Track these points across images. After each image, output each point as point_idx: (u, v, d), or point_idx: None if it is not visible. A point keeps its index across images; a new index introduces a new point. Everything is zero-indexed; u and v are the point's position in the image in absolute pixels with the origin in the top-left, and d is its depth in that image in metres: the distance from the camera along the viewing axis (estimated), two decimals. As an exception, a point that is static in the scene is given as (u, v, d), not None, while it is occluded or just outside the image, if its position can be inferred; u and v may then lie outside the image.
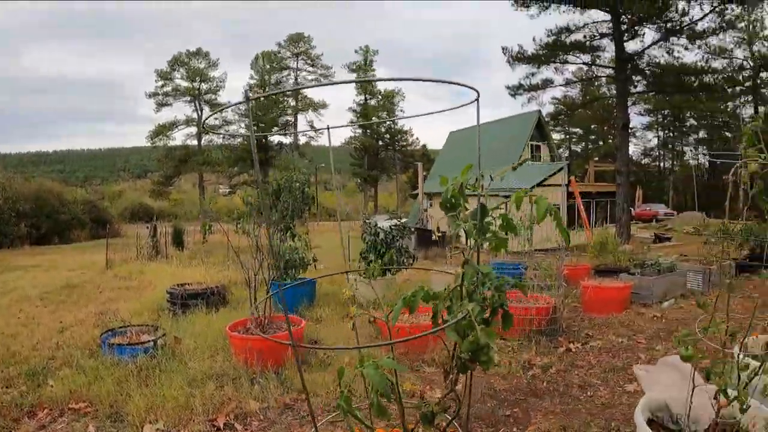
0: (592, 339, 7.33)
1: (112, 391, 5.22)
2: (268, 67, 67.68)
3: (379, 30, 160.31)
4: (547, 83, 30.78)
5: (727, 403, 2.88)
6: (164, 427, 4.55)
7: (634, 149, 70.20)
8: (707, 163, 65.64)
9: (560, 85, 32.72)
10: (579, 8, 27.37)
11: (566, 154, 67.87)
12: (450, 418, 2.79)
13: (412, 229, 24.62)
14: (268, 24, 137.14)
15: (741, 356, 4.04)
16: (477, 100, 3.04)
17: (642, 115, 67.17)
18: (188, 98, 64.68)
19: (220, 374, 5.75)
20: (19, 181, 37.70)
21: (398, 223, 9.93)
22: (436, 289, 8.73)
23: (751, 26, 53.59)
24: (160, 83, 64.35)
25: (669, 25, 27.55)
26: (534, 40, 29.17)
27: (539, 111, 33.39)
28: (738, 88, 58.76)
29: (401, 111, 75.42)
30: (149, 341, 6.66)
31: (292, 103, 68.47)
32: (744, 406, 2.80)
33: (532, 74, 30.74)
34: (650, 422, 3.29)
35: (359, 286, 9.64)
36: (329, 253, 14.31)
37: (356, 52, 71.55)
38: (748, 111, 60.15)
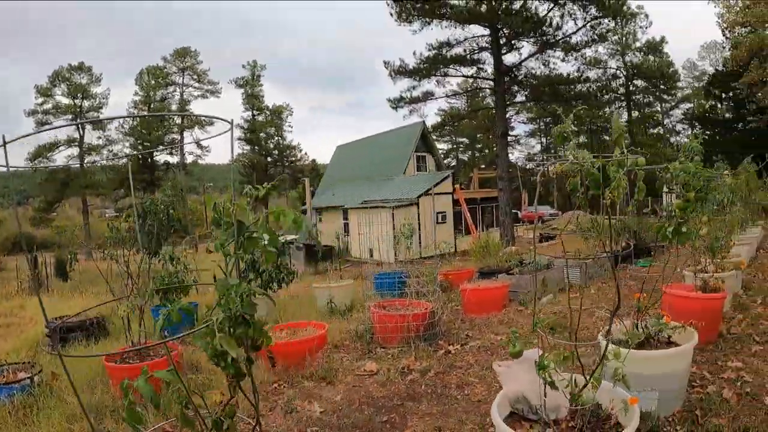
0: (472, 339, 7.61)
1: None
2: (153, 83, 65.61)
3: (271, 42, 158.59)
4: (428, 95, 31.61)
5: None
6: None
7: (518, 155, 72.97)
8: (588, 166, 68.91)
9: (441, 97, 33.77)
10: (459, 23, 28.34)
11: (454, 163, 69.64)
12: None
13: (301, 245, 24.67)
14: (156, 37, 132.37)
15: (604, 343, 4.41)
16: (231, 129, 3.25)
17: (525, 123, 70.27)
18: (70, 116, 61.55)
19: (100, 407, 5.61)
20: None
21: (284, 240, 10.01)
22: (319, 303, 8.92)
23: (624, 38, 57.15)
24: (40, 100, 60.83)
25: (545, 38, 29.02)
26: (414, 54, 29.95)
27: (423, 122, 34.16)
28: (612, 96, 62.49)
29: (290, 126, 75.15)
30: (25, 379, 6.39)
31: (178, 120, 66.74)
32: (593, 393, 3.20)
33: (413, 87, 31.55)
34: (512, 414, 3.58)
35: (244, 307, 9.73)
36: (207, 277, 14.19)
37: (244, 66, 70.88)
38: (624, 116, 64.01)
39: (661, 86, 60.32)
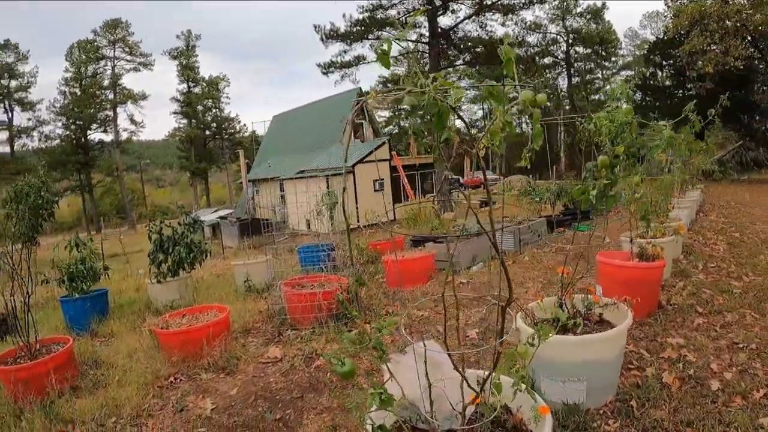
0: (392, 316, 7.04)
1: None
2: (84, 57, 63.13)
3: (204, 11, 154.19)
4: (359, 60, 31.11)
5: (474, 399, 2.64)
6: None
7: (459, 122, 72.77)
8: (530, 130, 69.62)
9: (374, 62, 33.14)
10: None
11: (395, 131, 69.19)
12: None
13: (234, 220, 24.14)
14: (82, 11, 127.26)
15: (522, 325, 3.83)
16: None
17: (467, 89, 69.90)
18: (-3, 97, 59.10)
19: None
20: None
21: (192, 218, 9.49)
22: (237, 281, 8.42)
23: (564, 3, 57.32)
24: (-40, 82, 58.19)
25: (484, 1, 28.64)
26: (344, 17, 29.33)
27: (360, 89, 33.56)
28: (551, 60, 62.87)
29: (227, 98, 73.59)
30: None
31: (110, 95, 64.61)
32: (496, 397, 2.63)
33: (345, 52, 30.97)
34: (400, 423, 2.71)
35: (151, 290, 9.28)
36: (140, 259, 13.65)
37: (178, 37, 68.90)
38: (563, 82, 64.49)
39: (602, 52, 60.83)
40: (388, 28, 29.75)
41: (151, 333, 6.73)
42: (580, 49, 62.04)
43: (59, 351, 5.79)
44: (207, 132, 70.14)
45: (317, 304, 6.74)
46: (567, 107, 60.77)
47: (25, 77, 60.39)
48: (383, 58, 1.95)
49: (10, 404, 5.28)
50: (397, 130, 69.61)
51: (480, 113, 75.99)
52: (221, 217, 29.22)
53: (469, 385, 2.63)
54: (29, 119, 61.01)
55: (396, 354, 2.96)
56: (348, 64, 31.26)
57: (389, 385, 2.62)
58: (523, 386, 2.62)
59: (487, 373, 2.70)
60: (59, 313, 9.02)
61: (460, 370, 2.64)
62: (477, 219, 2.59)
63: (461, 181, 48.01)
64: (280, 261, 10.41)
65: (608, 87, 63.35)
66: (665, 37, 37.65)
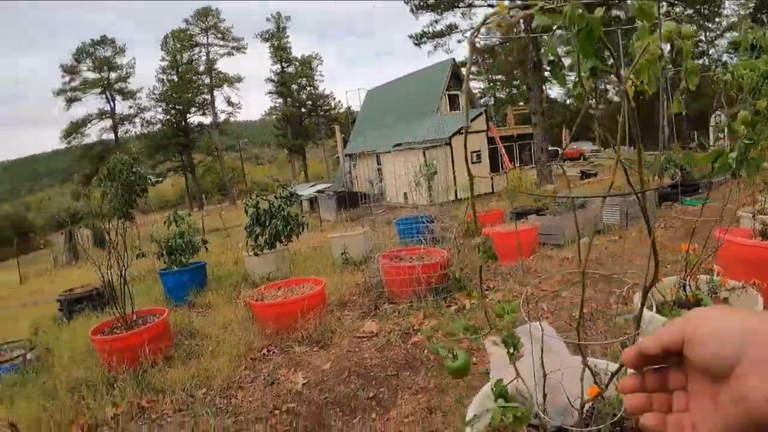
0: (493, 291, 6.73)
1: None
2: (179, 46, 65.16)
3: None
4: (452, 28, 30.37)
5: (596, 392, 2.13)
6: (16, 448, 4.16)
7: (559, 91, 70.76)
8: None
9: (467, 30, 32.43)
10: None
11: (491, 102, 67.91)
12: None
13: (332, 194, 24.17)
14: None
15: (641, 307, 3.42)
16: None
17: (564, 56, 67.52)
18: (98, 90, 61.83)
19: (84, 382, 5.22)
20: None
21: (289, 191, 9.33)
22: (334, 254, 8.20)
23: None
24: (67, 78, 61.14)
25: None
26: (435, -14, 28.74)
27: (453, 59, 32.82)
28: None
29: (321, 75, 74.17)
30: (16, 357, 6.25)
31: (207, 80, 66.34)
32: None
33: (436, 21, 30.32)
34: None
35: (248, 262, 9.20)
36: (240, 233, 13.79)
37: (268, 20, 69.72)
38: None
39: (705, 12, 57.27)
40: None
41: (246, 305, 6.61)
42: (679, 10, 58.67)
43: (154, 322, 5.80)
44: (302, 109, 70.87)
45: (416, 278, 6.39)
46: (669, 74, 57.87)
47: (124, 69, 63.21)
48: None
49: (105, 372, 5.33)
50: (493, 101, 68.43)
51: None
52: (319, 191, 29.38)
53: (596, 381, 2.13)
54: (130, 107, 63.74)
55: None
56: (440, 34, 30.60)
57: (494, 370, 2.22)
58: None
59: (608, 364, 2.30)
60: (160, 285, 9.16)
61: (585, 360, 2.16)
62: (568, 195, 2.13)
63: (560, 152, 46.69)
64: (378, 233, 10.13)
65: (732, 34, 59.62)
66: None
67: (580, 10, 1.34)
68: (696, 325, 0.61)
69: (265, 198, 9.18)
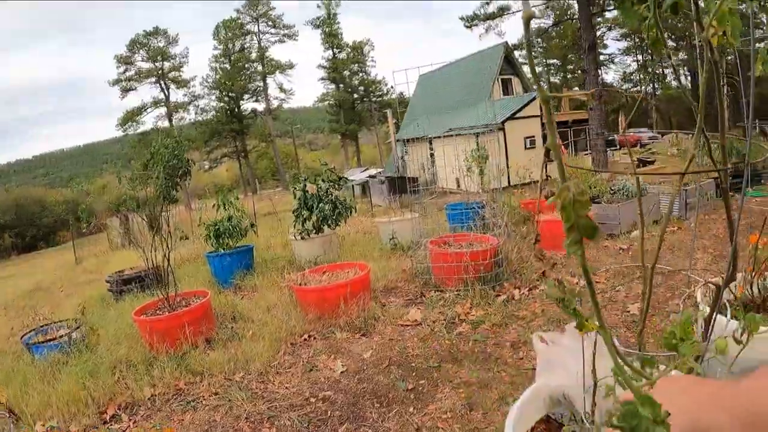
0: (543, 282, 6.36)
1: (18, 393, 4.81)
2: (230, 35, 65.78)
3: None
4: (503, 10, 29.76)
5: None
6: (56, 424, 4.25)
7: (614, 76, 69.25)
8: (689, 84, 65.05)
9: (519, 11, 31.78)
10: None
11: (545, 87, 66.82)
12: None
13: (383, 179, 24.06)
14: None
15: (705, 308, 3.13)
16: None
17: (618, 40, 65.83)
18: (153, 79, 62.77)
19: (124, 361, 5.27)
20: (-2, 193, 37.23)
21: (337, 175, 9.22)
22: (383, 239, 7.98)
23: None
24: (122, 68, 62.15)
25: None
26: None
27: (506, 43, 32.15)
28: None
29: (373, 61, 73.95)
30: (63, 336, 6.22)
31: (259, 67, 66.82)
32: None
33: (487, 3, 29.77)
34: (548, 420, 2.14)
35: (296, 246, 9.11)
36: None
37: (318, 6, 69.71)
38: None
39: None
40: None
41: (290, 289, 6.50)
42: (739, -10, 56.76)
43: (196, 305, 5.78)
44: (354, 95, 70.79)
45: (464, 265, 6.17)
46: (729, 58, 55.97)
47: (177, 58, 63.83)
48: None
49: (146, 352, 5.37)
50: (546, 86, 67.25)
51: (634, 65, 71.84)
52: (371, 176, 29.30)
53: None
54: (185, 95, 64.46)
55: (551, 333, 2.23)
56: (492, 16, 30.00)
57: (540, 370, 1.97)
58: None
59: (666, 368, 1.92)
60: (208, 268, 9.18)
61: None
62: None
63: (616, 139, 45.61)
64: (428, 219, 9.93)
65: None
66: None
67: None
68: None
69: (314, 181, 9.08)
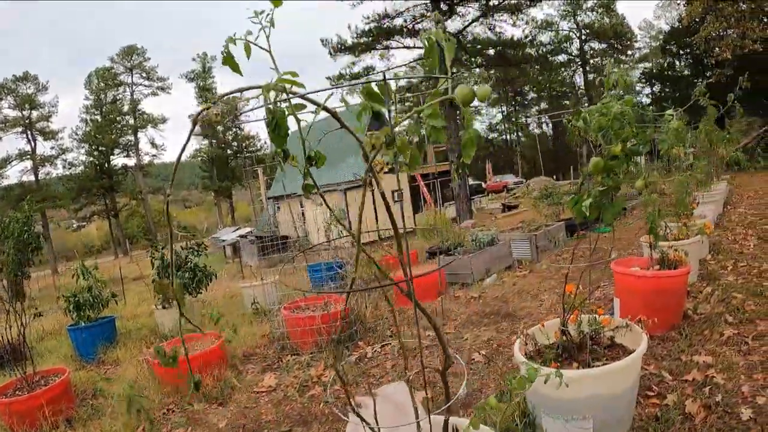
0: (396, 337, 6.88)
1: None
2: (102, 85, 63.77)
3: (218, 33, 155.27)
4: (369, 71, 30.99)
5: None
6: None
7: (481, 126, 72.48)
8: (550, 130, 69.28)
9: (383, 71, 32.99)
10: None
11: (416, 140, 68.91)
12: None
13: (254, 239, 24.09)
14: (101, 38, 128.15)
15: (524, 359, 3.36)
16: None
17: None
18: (19, 129, 59.64)
19: None
20: None
21: (198, 241, 9.41)
22: (246, 303, 8.16)
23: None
24: (-14, 115, 58.76)
25: (488, 1, 28.61)
26: (349, 28, 29.40)
27: (373, 98, 33.39)
28: (566, 58, 62.53)
29: (246, 116, 73.73)
30: None
31: (131, 121, 65.19)
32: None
33: (353, 63, 30.98)
34: None
35: (158, 315, 9.17)
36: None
37: (194, 59, 69.22)
38: (579, 79, 63.99)
39: (618, 46, 59.94)
40: (396, 37, 29.63)
41: (147, 363, 6.63)
42: (595, 45, 61.42)
43: (55, 383, 5.76)
44: (228, 151, 70.25)
45: (316, 328, 6.56)
46: (586, 104, 60.16)
47: (46, 107, 60.71)
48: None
49: None
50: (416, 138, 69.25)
51: (499, 116, 75.49)
52: (241, 236, 29.20)
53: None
54: (52, 147, 61.40)
55: (361, 397, 2.67)
56: (357, 76, 31.16)
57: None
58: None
59: (466, 422, 2.27)
60: (70, 342, 8.97)
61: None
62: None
63: (483, 186, 47.57)
64: (291, 280, 10.21)
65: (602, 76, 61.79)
66: (680, 25, 37.14)
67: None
68: None
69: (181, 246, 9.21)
